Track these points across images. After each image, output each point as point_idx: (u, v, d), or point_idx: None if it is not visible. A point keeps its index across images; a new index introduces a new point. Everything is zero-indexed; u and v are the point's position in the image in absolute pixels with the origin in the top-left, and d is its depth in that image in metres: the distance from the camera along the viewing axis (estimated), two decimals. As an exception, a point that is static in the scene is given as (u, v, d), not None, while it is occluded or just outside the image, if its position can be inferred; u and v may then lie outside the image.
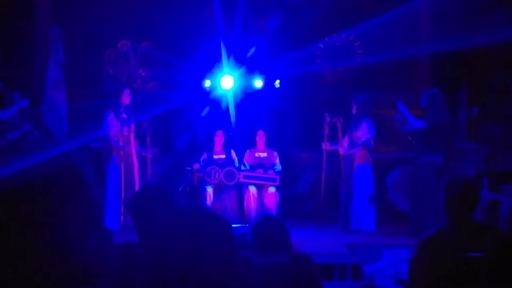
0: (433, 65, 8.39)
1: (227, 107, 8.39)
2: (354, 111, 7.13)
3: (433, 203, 6.14)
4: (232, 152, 7.79)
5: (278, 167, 7.67)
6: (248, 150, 7.79)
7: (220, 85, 8.29)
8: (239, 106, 8.44)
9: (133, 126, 6.98)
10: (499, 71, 7.70)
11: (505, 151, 7.04)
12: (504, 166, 6.87)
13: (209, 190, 7.41)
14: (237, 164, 7.69)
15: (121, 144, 6.83)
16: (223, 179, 7.42)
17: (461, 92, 7.83)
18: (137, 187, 6.79)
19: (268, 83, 8.60)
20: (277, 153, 7.75)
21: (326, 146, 7.31)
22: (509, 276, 2.48)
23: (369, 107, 7.12)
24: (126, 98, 6.98)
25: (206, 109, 8.54)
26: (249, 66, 8.43)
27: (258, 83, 8.50)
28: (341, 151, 7.20)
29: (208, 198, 7.35)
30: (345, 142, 7.20)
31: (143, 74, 8.85)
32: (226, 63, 8.22)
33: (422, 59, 8.47)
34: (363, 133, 7.06)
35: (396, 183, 7.82)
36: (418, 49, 7.99)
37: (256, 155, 7.72)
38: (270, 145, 7.77)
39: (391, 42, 7.78)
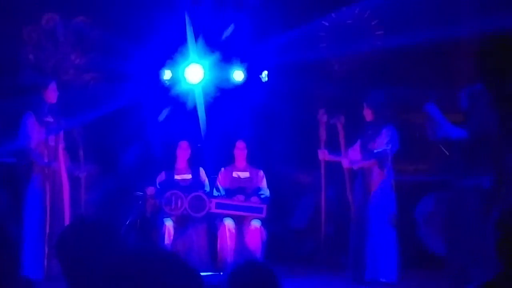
0: (477, 53, 8.46)
1: (195, 109, 8.37)
2: (369, 117, 7.15)
3: (479, 244, 6.17)
4: (201, 171, 7.82)
5: (265, 192, 7.69)
6: (223, 169, 7.81)
7: (184, 78, 8.29)
8: (211, 107, 8.43)
9: (62, 134, 6.95)
10: None
11: None
12: None
13: (169, 224, 7.40)
14: (207, 188, 7.71)
15: (45, 159, 6.78)
16: (188, 209, 7.43)
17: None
18: (67, 219, 6.77)
19: (252, 75, 8.61)
20: (264, 172, 7.78)
21: (324, 154, 7.30)
22: None
23: (388, 109, 7.15)
24: (51, 95, 6.97)
25: (165, 111, 8.51)
26: (225, 52, 8.43)
27: (238, 75, 8.51)
28: (345, 163, 7.18)
29: (167, 236, 7.35)
30: (355, 154, 7.20)
31: (76, 61, 8.79)
32: (193, 47, 8.22)
33: (464, 45, 8.53)
34: (382, 143, 7.05)
35: (428, 216, 7.85)
36: (458, 30, 8.06)
37: (235, 175, 7.74)
38: (253, 161, 7.82)
39: (421, 20, 7.83)
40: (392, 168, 7.08)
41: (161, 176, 7.73)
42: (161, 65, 8.44)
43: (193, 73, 8.28)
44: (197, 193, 7.50)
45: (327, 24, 8.79)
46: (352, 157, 7.21)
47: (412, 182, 8.02)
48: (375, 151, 7.01)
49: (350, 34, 8.73)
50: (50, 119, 6.90)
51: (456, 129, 6.65)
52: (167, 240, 7.34)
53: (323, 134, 7.32)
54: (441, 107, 6.82)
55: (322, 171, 7.38)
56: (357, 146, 7.23)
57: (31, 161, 6.80)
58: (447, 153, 7.08)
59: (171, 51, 8.39)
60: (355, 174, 7.20)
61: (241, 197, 7.60)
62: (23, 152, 6.82)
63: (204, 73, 8.30)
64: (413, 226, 7.87)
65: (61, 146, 6.91)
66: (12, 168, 7.02)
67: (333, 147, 7.33)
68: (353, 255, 7.18)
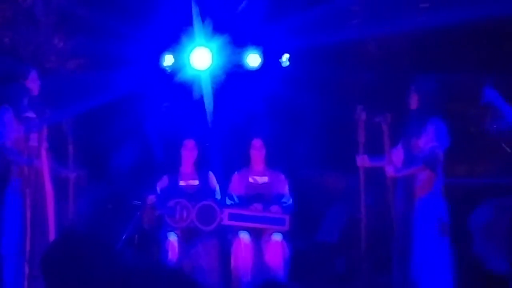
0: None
1: (202, 100, 8.37)
2: (414, 105, 7.11)
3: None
4: (211, 175, 7.84)
5: (288, 200, 7.69)
6: (236, 172, 7.84)
7: (189, 64, 8.29)
8: (221, 98, 8.42)
9: (45, 131, 6.94)
10: None
11: None
12: None
13: (173, 239, 7.41)
14: (218, 196, 7.73)
15: (25, 160, 6.78)
16: (196, 221, 7.44)
17: None
18: (51, 233, 6.73)
19: (270, 59, 8.61)
20: (286, 176, 7.79)
21: (363, 161, 7.16)
22: None
23: (439, 98, 7.10)
24: (33, 86, 6.98)
25: (167, 104, 8.52)
26: (238, 32, 8.43)
27: (253, 59, 8.51)
28: (390, 171, 7.10)
29: (170, 253, 7.36)
30: (398, 155, 7.18)
31: (60, 45, 8.84)
32: (199, 27, 8.22)
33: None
34: (428, 140, 7.02)
35: (487, 228, 7.81)
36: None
37: (251, 180, 7.78)
38: (273, 163, 7.81)
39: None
40: (442, 169, 7.00)
41: (163, 182, 7.73)
42: (162, 49, 8.45)
43: (199, 58, 8.29)
44: (206, 202, 7.51)
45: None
46: (395, 160, 7.14)
47: (467, 186, 7.96)
48: (422, 154, 6.94)
49: (389, 8, 8.66)
50: (31, 114, 6.89)
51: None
52: (171, 258, 7.33)
53: (362, 136, 7.15)
54: (504, 92, 6.77)
55: (361, 178, 7.19)
56: (400, 146, 7.20)
57: (8, 162, 6.79)
58: (509, 151, 7.03)
59: (173, 32, 8.39)
60: (397, 181, 7.06)
61: (258, 206, 7.59)
62: (-1, 152, 6.86)
63: (213, 58, 8.32)
64: (468, 240, 7.81)
65: (43, 145, 6.89)
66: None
67: (372, 147, 7.23)
68: (396, 276, 7.15)
